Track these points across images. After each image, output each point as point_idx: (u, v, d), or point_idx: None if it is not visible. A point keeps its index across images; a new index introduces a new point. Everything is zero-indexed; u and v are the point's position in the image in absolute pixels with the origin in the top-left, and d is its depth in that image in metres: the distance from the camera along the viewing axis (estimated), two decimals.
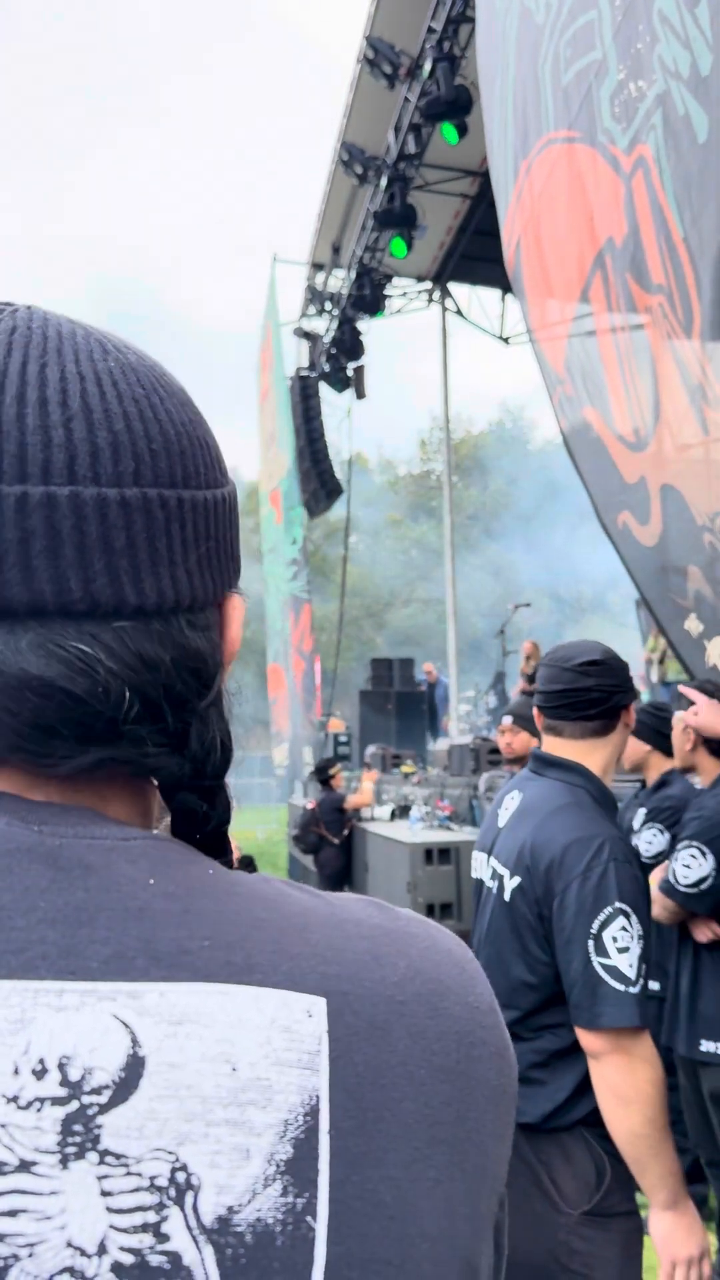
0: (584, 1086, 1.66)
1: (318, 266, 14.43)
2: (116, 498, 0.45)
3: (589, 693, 1.85)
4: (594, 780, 1.84)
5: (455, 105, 8.75)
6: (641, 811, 3.60)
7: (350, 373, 14.65)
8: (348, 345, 14.07)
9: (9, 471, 0.43)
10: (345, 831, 7.99)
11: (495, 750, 6.87)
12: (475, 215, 12.69)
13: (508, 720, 4.51)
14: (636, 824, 3.57)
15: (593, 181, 3.86)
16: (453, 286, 14.62)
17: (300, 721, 13.97)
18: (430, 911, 5.57)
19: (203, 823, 0.50)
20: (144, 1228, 0.38)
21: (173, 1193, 0.38)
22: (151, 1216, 0.38)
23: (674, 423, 3.47)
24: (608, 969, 1.62)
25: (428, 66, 8.75)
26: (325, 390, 15.21)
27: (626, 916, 1.65)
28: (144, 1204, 0.38)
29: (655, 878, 3.00)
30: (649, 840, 3.46)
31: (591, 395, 4.08)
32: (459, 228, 13.20)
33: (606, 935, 1.63)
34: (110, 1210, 0.38)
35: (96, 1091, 0.39)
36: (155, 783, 0.50)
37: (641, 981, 1.63)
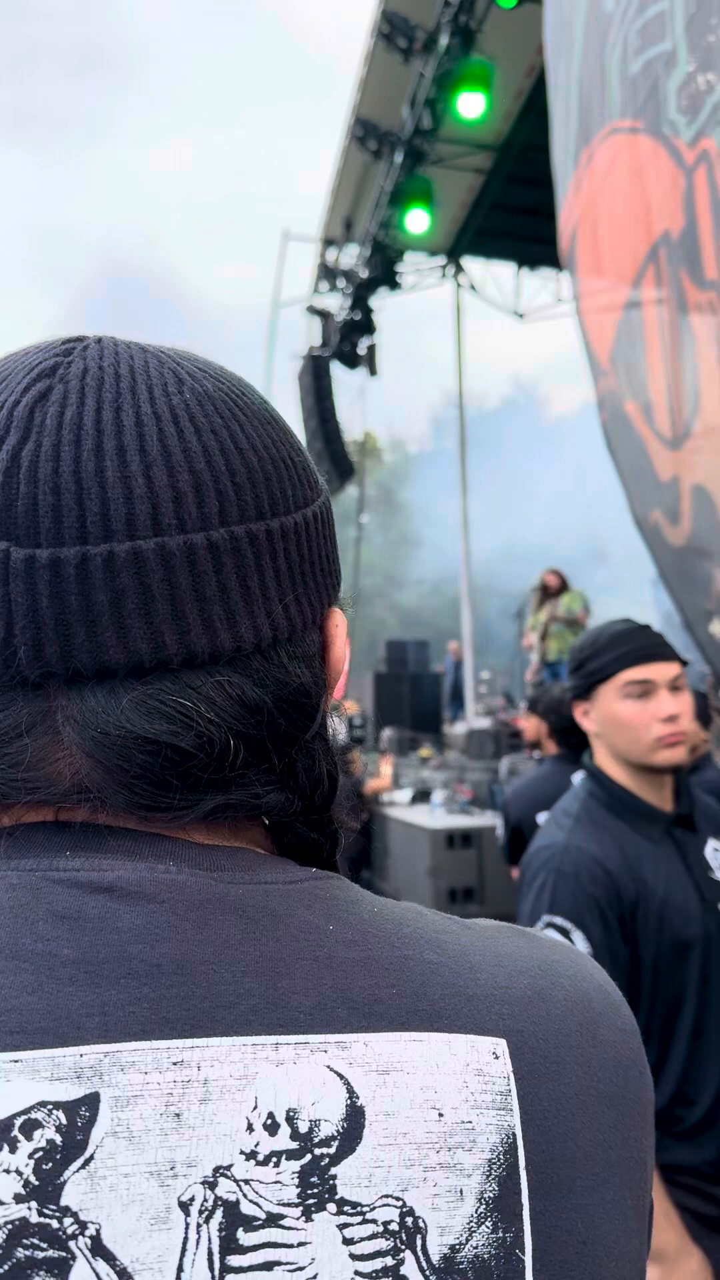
0: None
1: (329, 243, 14.26)
2: (203, 543, 0.44)
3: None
4: (602, 781, 1.73)
5: (471, 79, 8.61)
6: None
7: (362, 350, 14.51)
8: (360, 322, 13.93)
9: (94, 531, 0.42)
10: (364, 815, 8.02)
11: (515, 734, 6.85)
12: (490, 190, 12.51)
13: (523, 705, 4.54)
14: None
15: (653, 173, 3.81)
16: (466, 262, 14.44)
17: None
18: (453, 896, 5.60)
19: (315, 854, 0.51)
20: (384, 1272, 0.39)
21: (404, 1236, 0.40)
22: (389, 1260, 0.40)
23: (710, 418, 3.42)
24: None
25: (443, 40, 8.61)
26: (336, 368, 15.09)
27: (558, 930, 1.57)
28: (382, 1249, 0.39)
29: None
30: None
31: (634, 390, 4.04)
32: (473, 202, 13.01)
33: None
34: (353, 1257, 0.39)
35: (325, 1143, 0.40)
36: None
37: None
